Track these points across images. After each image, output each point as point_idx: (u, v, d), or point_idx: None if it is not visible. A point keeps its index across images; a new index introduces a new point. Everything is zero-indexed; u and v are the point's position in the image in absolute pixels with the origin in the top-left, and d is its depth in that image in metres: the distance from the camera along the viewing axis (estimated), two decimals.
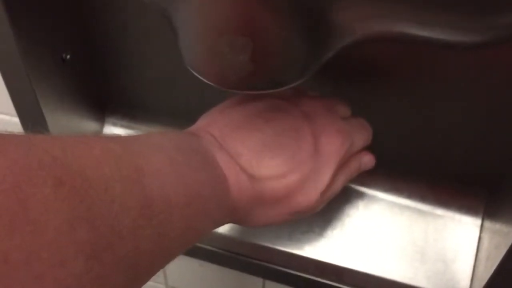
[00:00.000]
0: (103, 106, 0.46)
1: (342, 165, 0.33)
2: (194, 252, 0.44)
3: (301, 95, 0.35)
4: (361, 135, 0.35)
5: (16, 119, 0.41)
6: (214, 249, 0.43)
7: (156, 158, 0.25)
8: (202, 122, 0.33)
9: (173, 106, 0.44)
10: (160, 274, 0.53)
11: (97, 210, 0.19)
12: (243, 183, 0.30)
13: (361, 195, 0.41)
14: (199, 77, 0.27)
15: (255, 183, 0.30)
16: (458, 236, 0.39)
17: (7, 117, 0.46)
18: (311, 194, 0.31)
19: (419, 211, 0.40)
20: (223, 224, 0.31)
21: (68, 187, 0.18)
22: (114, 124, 0.46)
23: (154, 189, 0.23)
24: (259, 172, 0.30)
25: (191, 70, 0.28)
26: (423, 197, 0.40)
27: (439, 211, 0.40)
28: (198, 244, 0.40)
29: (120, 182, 0.21)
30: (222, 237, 0.41)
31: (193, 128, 0.33)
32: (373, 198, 0.41)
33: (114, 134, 0.26)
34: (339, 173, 0.33)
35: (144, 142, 0.26)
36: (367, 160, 0.36)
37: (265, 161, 0.31)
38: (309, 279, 0.41)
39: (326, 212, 0.34)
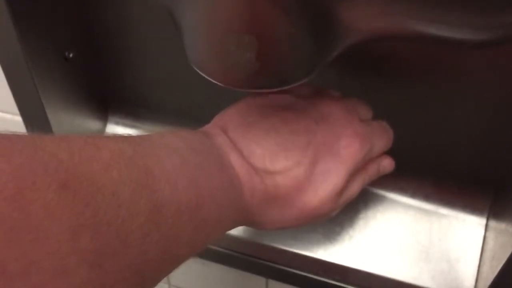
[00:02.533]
0: (106, 104, 0.46)
1: (359, 168, 0.32)
2: None
3: (321, 96, 0.34)
4: (381, 139, 0.33)
5: (18, 118, 0.41)
6: (217, 248, 0.43)
7: (168, 160, 0.24)
8: (217, 121, 0.33)
9: (177, 104, 0.44)
10: None
11: (102, 215, 0.19)
12: (256, 185, 0.29)
13: (365, 194, 0.41)
14: (204, 75, 0.27)
15: (267, 184, 0.30)
16: (462, 236, 0.39)
17: (9, 116, 0.46)
18: (322, 195, 0.31)
19: (424, 210, 0.40)
20: (234, 227, 0.30)
21: (73, 192, 0.18)
22: (117, 123, 0.46)
23: (164, 193, 0.23)
24: (272, 170, 0.30)
25: (196, 68, 0.27)
26: (427, 196, 0.40)
27: (444, 210, 0.40)
28: None
29: (129, 186, 0.21)
30: (225, 236, 0.41)
31: (208, 127, 0.32)
32: (377, 197, 0.41)
33: (125, 134, 0.25)
34: (355, 177, 0.32)
35: (156, 142, 0.26)
36: (386, 164, 0.35)
37: (279, 160, 0.30)
38: (313, 278, 0.41)
39: None
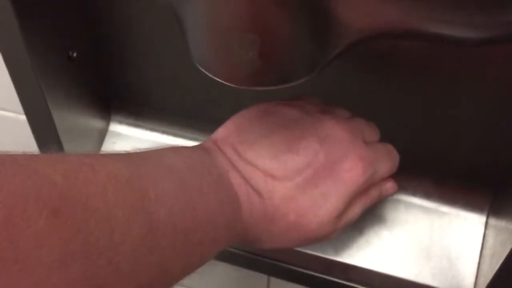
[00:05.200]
0: (109, 103, 0.46)
1: (361, 192, 0.32)
2: None
3: (327, 114, 0.33)
4: (386, 164, 0.33)
5: (22, 117, 0.41)
6: None
7: (166, 181, 0.24)
8: (217, 136, 0.32)
9: (180, 104, 0.44)
10: None
11: (94, 241, 0.19)
12: (255, 204, 0.29)
13: None
14: (208, 74, 0.27)
15: (266, 204, 0.29)
16: (463, 233, 0.39)
17: (13, 115, 0.46)
18: (322, 217, 0.30)
19: (424, 208, 0.40)
20: (230, 245, 0.30)
21: (65, 218, 0.18)
22: (120, 122, 0.46)
23: (159, 216, 0.22)
24: (272, 190, 0.30)
25: (199, 67, 0.28)
26: (428, 194, 0.40)
27: (444, 208, 0.40)
28: None
29: (124, 210, 0.20)
30: None
31: (208, 143, 0.32)
32: None
33: (125, 152, 0.25)
34: (357, 201, 0.32)
35: (155, 162, 0.25)
36: (389, 187, 0.34)
37: (278, 180, 0.30)
38: (314, 276, 0.41)
39: None
